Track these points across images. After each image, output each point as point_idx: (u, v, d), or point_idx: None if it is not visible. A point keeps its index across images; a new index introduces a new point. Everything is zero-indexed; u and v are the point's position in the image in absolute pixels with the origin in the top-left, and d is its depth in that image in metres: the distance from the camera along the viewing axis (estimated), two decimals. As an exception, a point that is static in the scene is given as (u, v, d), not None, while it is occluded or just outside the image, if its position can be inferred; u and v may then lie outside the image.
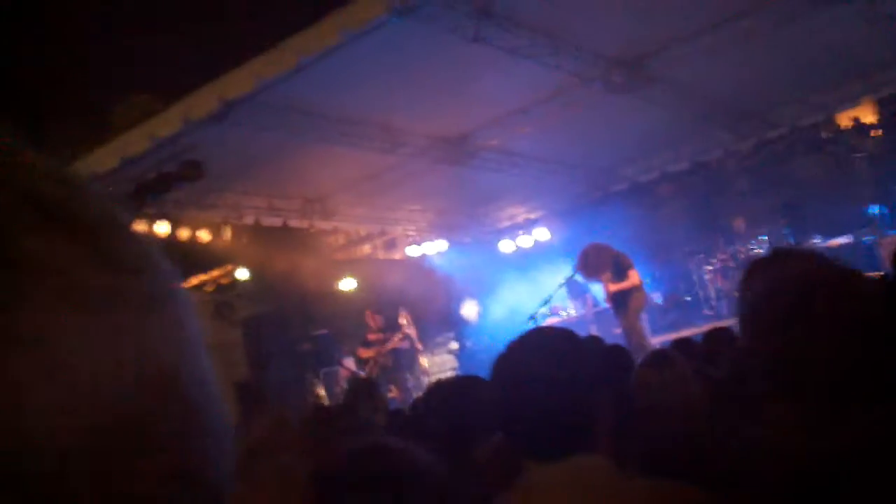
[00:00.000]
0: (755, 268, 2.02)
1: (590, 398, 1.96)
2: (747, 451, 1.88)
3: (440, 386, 3.93)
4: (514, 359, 2.05)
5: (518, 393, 1.97)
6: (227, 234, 10.95)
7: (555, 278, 12.91)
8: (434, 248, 14.60)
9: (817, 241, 12.75)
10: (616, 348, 4.90)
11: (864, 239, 12.03)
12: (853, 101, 11.62)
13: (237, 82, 7.48)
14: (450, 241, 14.71)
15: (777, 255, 2.07)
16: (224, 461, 0.46)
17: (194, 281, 13.26)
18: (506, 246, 15.17)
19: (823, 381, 1.65)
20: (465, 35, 7.32)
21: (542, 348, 2.04)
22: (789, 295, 1.75)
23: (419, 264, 14.59)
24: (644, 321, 10.91)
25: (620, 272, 10.62)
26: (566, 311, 14.30)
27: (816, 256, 1.98)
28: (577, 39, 8.35)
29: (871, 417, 1.58)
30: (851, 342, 1.63)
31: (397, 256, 14.48)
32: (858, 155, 12.02)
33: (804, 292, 1.73)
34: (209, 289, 13.32)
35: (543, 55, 8.28)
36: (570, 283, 12.28)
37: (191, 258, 11.56)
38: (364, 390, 6.18)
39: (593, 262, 10.71)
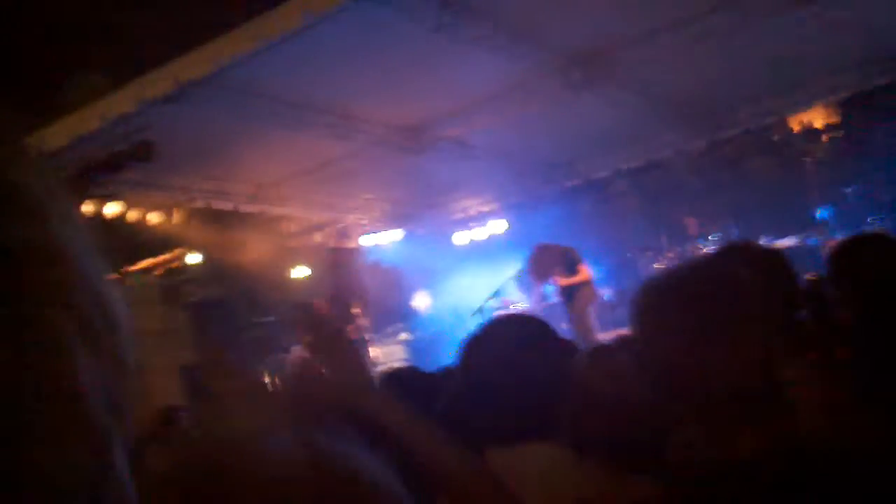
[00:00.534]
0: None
1: (554, 387, 1.96)
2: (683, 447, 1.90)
3: (392, 380, 3.91)
4: (482, 343, 2.04)
5: (484, 377, 1.96)
6: (178, 217, 10.78)
7: (507, 271, 12.96)
8: (388, 239, 14.55)
9: (765, 242, 12.98)
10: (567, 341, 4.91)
11: (811, 241, 12.27)
12: (805, 105, 11.81)
13: (194, 63, 7.35)
14: (404, 231, 14.67)
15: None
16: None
17: (143, 264, 13.07)
18: (460, 238, 15.18)
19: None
20: (426, 24, 7.28)
21: (511, 334, 2.03)
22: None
23: (372, 254, 14.53)
24: (593, 316, 10.97)
25: (571, 267, 10.70)
26: (515, 305, 14.35)
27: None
28: (538, 33, 8.37)
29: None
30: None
31: (350, 245, 14.40)
32: (808, 158, 12.23)
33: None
34: (158, 272, 13.14)
35: (504, 47, 8.28)
36: (520, 276, 12.34)
37: (140, 241, 11.39)
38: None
39: (542, 266, 10.76)
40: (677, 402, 1.69)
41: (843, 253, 3.09)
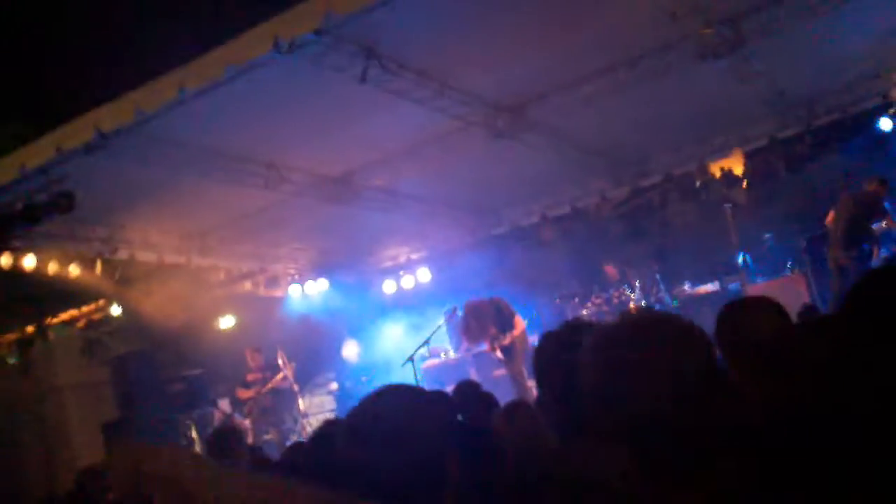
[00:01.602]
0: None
1: (438, 458, 1.96)
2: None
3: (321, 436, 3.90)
4: (365, 417, 2.03)
5: (369, 451, 1.95)
6: (99, 268, 10.56)
7: (436, 319, 12.98)
8: (315, 288, 14.46)
9: (686, 288, 13.25)
10: (484, 396, 5.04)
11: (731, 286, 12.57)
12: (724, 153, 12.16)
13: (115, 113, 7.26)
14: (332, 280, 14.59)
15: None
16: None
17: (64, 317, 12.76)
18: (388, 286, 15.15)
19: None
20: (351, 75, 7.33)
21: (391, 408, 2.03)
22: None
23: (300, 303, 14.42)
24: (526, 366, 11.06)
25: (505, 321, 10.77)
26: (445, 353, 14.36)
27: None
28: (461, 84, 8.49)
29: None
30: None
31: (279, 294, 14.27)
32: (728, 204, 12.55)
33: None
34: (80, 325, 12.83)
35: (428, 98, 8.38)
36: (450, 322, 12.38)
37: (61, 293, 11.12)
38: (225, 441, 5.93)
39: (475, 328, 10.84)
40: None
41: (723, 319, 3.20)
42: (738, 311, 3.22)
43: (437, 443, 1.98)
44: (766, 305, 3.20)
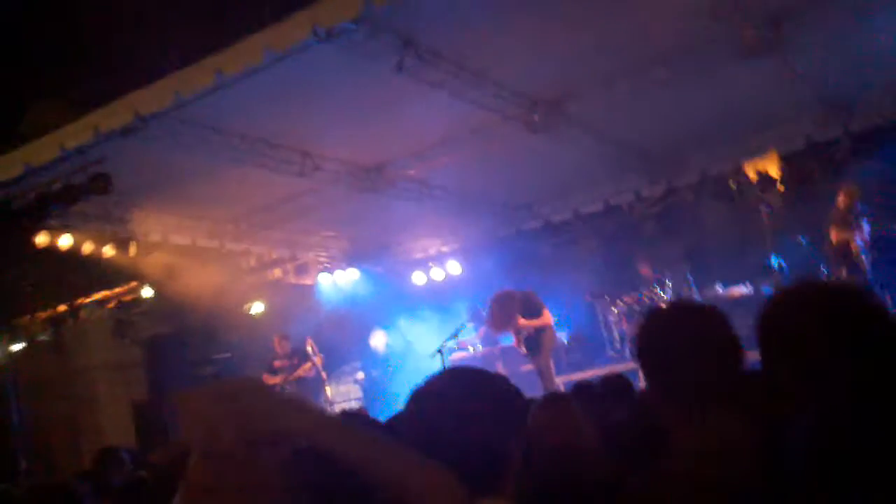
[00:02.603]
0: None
1: (505, 442, 1.95)
2: (658, 480, 1.90)
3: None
4: (431, 396, 2.02)
5: (431, 432, 1.93)
6: (133, 250, 10.65)
7: (464, 312, 12.96)
8: (346, 277, 14.51)
9: (719, 289, 13.10)
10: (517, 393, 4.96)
11: (764, 289, 12.41)
12: (760, 154, 12.01)
13: (154, 97, 7.32)
14: (362, 269, 14.64)
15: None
16: None
17: (96, 296, 12.89)
18: (418, 278, 15.15)
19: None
20: (387, 65, 7.33)
21: (462, 388, 2.01)
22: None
23: (329, 291, 14.47)
24: (552, 361, 11.00)
25: (532, 311, 10.69)
26: (473, 347, 14.34)
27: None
28: (498, 77, 8.47)
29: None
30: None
31: (308, 282, 14.33)
32: (763, 206, 12.39)
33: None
34: (111, 305, 12.96)
35: (464, 90, 8.35)
36: (476, 318, 12.38)
37: (94, 273, 11.23)
38: None
39: (500, 317, 10.77)
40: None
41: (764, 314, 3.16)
42: (779, 307, 3.18)
43: (506, 425, 1.97)
44: (806, 301, 3.16)
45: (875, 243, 10.92)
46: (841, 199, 10.70)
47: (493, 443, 1.93)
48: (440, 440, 1.91)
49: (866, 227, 10.85)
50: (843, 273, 10.52)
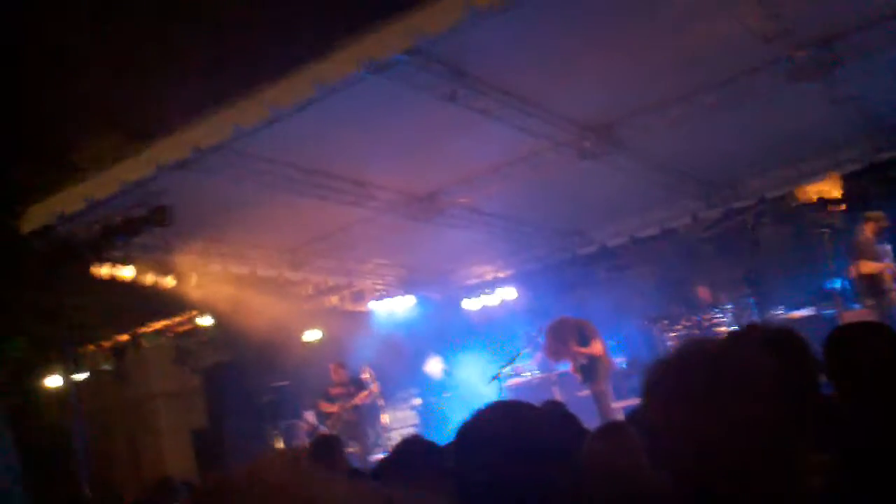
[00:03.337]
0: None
1: (547, 473, 1.95)
2: None
3: (404, 450, 3.89)
4: (476, 429, 2.03)
5: (476, 464, 1.95)
6: (193, 280, 10.87)
7: (520, 338, 12.91)
8: (401, 304, 14.58)
9: (780, 313, 12.87)
10: (569, 417, 4.93)
11: (826, 312, 12.16)
12: (818, 176, 11.82)
13: (211, 129, 7.49)
14: (417, 296, 14.70)
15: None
16: None
17: (157, 326, 13.14)
18: (472, 304, 15.15)
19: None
20: (438, 94, 7.40)
21: (503, 422, 2.02)
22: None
23: (385, 318, 14.55)
24: (610, 388, 10.93)
25: (584, 341, 10.68)
26: (530, 372, 14.27)
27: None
28: (548, 104, 8.49)
29: None
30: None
31: (364, 309, 14.43)
32: (823, 229, 12.17)
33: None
34: (171, 334, 13.19)
35: (515, 118, 8.39)
36: (531, 343, 12.34)
37: (154, 302, 11.46)
38: (327, 449, 6.14)
39: (555, 346, 10.79)
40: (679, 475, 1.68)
41: (835, 341, 3.14)
42: (850, 334, 3.17)
43: (551, 459, 1.98)
44: (879, 329, 3.14)
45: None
46: (868, 228, 10.40)
47: (534, 474, 1.94)
48: (482, 474, 1.92)
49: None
50: (874, 305, 10.19)
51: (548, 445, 2.01)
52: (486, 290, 15.05)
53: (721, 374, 1.68)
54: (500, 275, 15.21)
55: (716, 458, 1.60)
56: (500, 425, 2.05)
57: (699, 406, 1.65)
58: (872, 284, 10.24)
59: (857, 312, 11.22)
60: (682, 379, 1.71)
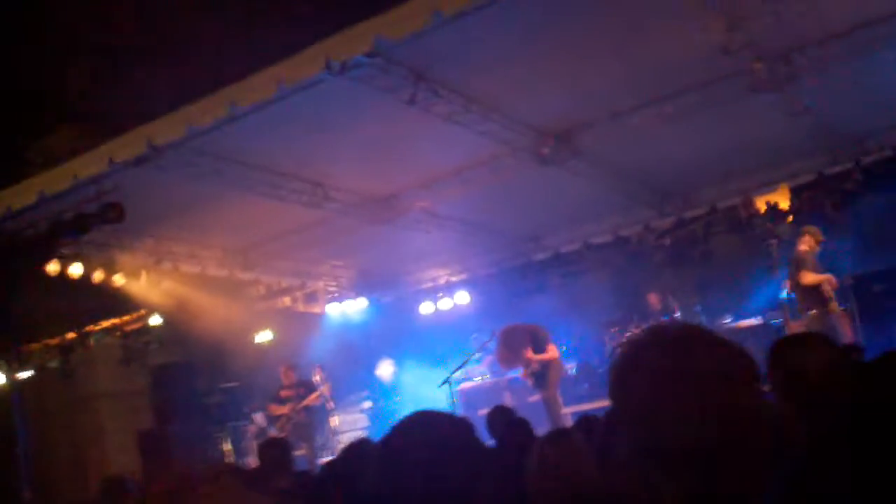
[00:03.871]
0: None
1: (469, 488, 1.94)
2: None
3: (351, 455, 3.87)
4: (396, 444, 2.02)
5: (398, 478, 1.94)
6: (144, 278, 10.71)
7: (473, 342, 12.94)
8: (354, 306, 14.51)
9: (728, 321, 13.07)
10: (519, 422, 4.97)
11: (773, 322, 12.38)
12: (770, 187, 12.01)
13: (167, 127, 7.39)
14: (370, 298, 14.64)
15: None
16: None
17: (105, 324, 12.91)
18: (425, 308, 15.11)
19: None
20: (399, 98, 7.39)
21: (423, 435, 2.01)
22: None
23: (337, 320, 14.47)
24: (559, 393, 11.01)
25: (539, 345, 10.76)
26: (481, 377, 14.31)
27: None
28: (508, 109, 8.52)
29: None
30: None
31: (317, 311, 14.33)
32: (773, 239, 12.37)
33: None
34: (120, 333, 12.97)
35: (475, 122, 8.40)
36: (483, 348, 12.39)
37: (104, 301, 11.26)
38: (274, 452, 6.08)
39: (507, 354, 10.87)
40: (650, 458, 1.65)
41: (777, 352, 3.21)
42: (791, 346, 3.24)
43: (468, 471, 1.97)
44: (821, 341, 3.20)
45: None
46: (806, 241, 10.61)
47: (456, 490, 1.93)
48: (406, 489, 1.91)
49: None
50: (817, 315, 10.41)
51: (469, 460, 2.01)
52: (440, 294, 15.03)
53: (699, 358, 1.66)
54: (454, 279, 15.19)
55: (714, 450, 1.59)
56: (415, 438, 2.04)
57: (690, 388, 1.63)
58: (814, 295, 10.45)
59: (802, 322, 11.43)
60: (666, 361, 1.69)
